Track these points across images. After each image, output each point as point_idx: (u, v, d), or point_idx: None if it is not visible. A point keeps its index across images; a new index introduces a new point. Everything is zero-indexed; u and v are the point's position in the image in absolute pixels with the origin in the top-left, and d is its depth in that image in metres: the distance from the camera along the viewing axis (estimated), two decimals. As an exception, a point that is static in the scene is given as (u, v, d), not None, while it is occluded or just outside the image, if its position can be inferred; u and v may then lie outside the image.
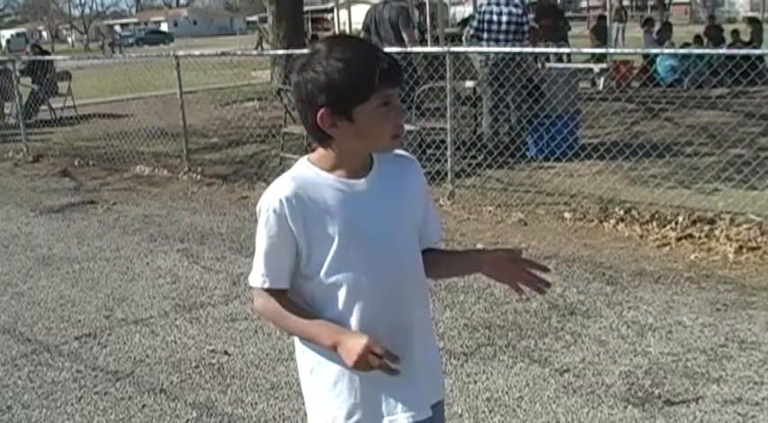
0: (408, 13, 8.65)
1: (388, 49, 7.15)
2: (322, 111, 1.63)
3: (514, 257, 1.82)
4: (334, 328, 1.69)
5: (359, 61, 1.63)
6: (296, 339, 1.83)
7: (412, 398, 1.77)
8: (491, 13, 7.92)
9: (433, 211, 1.91)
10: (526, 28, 7.82)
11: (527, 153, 7.62)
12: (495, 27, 7.86)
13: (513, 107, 7.84)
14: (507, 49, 7.68)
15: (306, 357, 1.80)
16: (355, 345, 1.63)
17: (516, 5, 7.78)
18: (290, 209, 1.66)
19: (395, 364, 1.64)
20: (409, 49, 7.58)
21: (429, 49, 7.53)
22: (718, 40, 14.67)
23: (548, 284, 1.82)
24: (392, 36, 8.09)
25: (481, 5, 8.33)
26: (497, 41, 7.86)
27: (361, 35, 8.55)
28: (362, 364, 1.62)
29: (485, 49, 7.92)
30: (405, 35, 8.08)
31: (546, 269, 1.83)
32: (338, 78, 1.61)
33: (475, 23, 8.15)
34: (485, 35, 7.93)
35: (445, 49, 6.70)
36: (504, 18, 7.79)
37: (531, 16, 8.14)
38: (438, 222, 1.94)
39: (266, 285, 1.73)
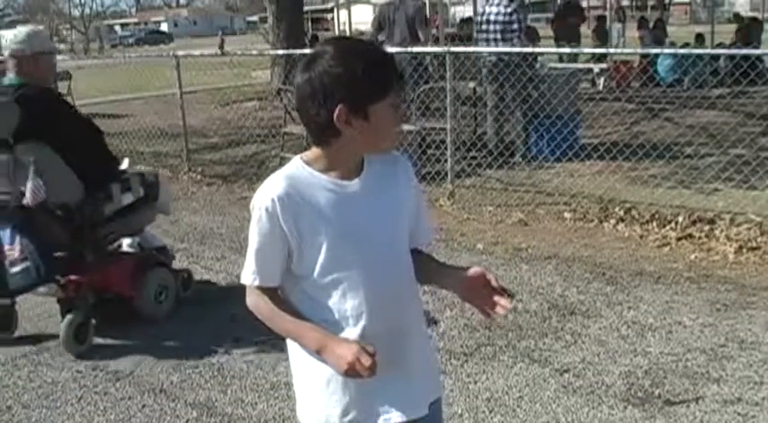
0: (424, 12, 8.68)
1: (394, 49, 7.20)
2: (340, 106, 1.61)
3: (485, 282, 1.75)
4: (320, 333, 1.69)
5: (378, 60, 1.65)
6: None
7: (407, 396, 1.78)
8: (483, 14, 8.10)
9: (424, 212, 1.91)
10: (515, 26, 7.83)
11: (527, 153, 7.62)
12: (484, 27, 7.97)
13: (513, 107, 7.83)
14: (507, 49, 7.68)
15: (300, 356, 1.80)
16: (345, 353, 1.62)
17: (506, 5, 7.80)
18: (282, 208, 1.67)
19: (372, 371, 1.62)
20: (408, 50, 7.56)
21: (429, 49, 7.51)
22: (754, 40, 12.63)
23: (506, 308, 1.75)
24: (407, 34, 8.09)
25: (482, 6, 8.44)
26: (488, 41, 7.92)
27: (371, 32, 8.55)
28: (353, 371, 1.62)
29: (484, 49, 7.92)
30: (421, 35, 8.07)
31: (511, 295, 1.77)
32: (360, 74, 1.61)
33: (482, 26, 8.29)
34: (482, 36, 8.04)
35: (445, 49, 6.69)
36: (492, 18, 7.87)
37: (521, 15, 8.10)
38: (429, 224, 1.93)
39: (256, 283, 1.74)
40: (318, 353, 1.69)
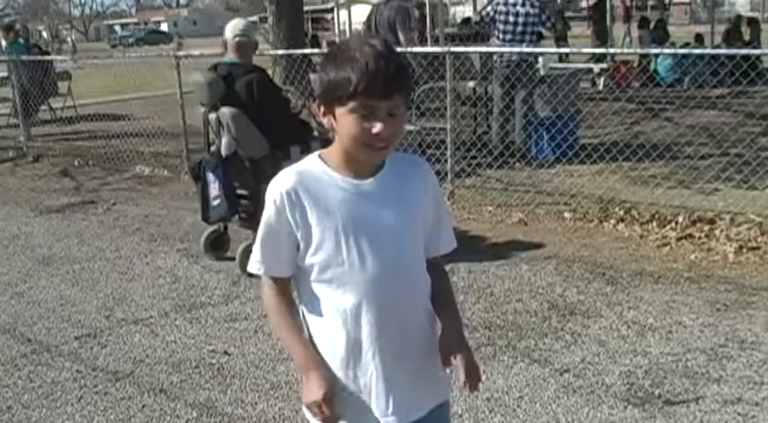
0: (408, 13, 8.48)
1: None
2: (318, 101, 1.71)
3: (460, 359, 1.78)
4: (308, 357, 1.75)
5: (348, 67, 1.61)
6: None
7: (405, 400, 1.77)
8: (506, 13, 7.74)
9: (445, 220, 1.89)
10: (540, 26, 7.76)
11: (527, 154, 7.61)
12: (510, 28, 7.72)
13: (518, 107, 7.79)
14: (507, 49, 7.66)
15: None
16: (313, 392, 1.71)
17: (533, 5, 7.66)
18: (290, 203, 1.69)
19: None
20: (408, 50, 7.53)
21: (429, 49, 7.49)
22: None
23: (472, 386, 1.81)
24: (390, 36, 7.88)
25: (497, 2, 7.94)
26: (511, 42, 7.72)
27: (362, 31, 8.44)
28: (313, 409, 1.73)
29: (484, 49, 7.90)
30: (401, 35, 7.89)
31: (476, 380, 1.82)
32: (328, 78, 1.66)
33: (487, 19, 7.96)
34: (500, 35, 7.80)
35: (445, 49, 6.68)
36: (521, 19, 7.66)
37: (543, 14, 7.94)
38: (451, 232, 1.90)
39: (261, 272, 1.78)
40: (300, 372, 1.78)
